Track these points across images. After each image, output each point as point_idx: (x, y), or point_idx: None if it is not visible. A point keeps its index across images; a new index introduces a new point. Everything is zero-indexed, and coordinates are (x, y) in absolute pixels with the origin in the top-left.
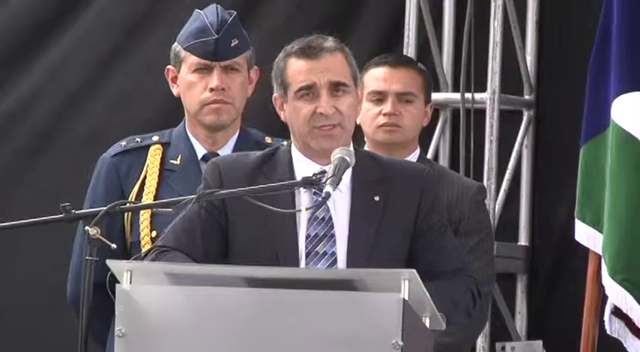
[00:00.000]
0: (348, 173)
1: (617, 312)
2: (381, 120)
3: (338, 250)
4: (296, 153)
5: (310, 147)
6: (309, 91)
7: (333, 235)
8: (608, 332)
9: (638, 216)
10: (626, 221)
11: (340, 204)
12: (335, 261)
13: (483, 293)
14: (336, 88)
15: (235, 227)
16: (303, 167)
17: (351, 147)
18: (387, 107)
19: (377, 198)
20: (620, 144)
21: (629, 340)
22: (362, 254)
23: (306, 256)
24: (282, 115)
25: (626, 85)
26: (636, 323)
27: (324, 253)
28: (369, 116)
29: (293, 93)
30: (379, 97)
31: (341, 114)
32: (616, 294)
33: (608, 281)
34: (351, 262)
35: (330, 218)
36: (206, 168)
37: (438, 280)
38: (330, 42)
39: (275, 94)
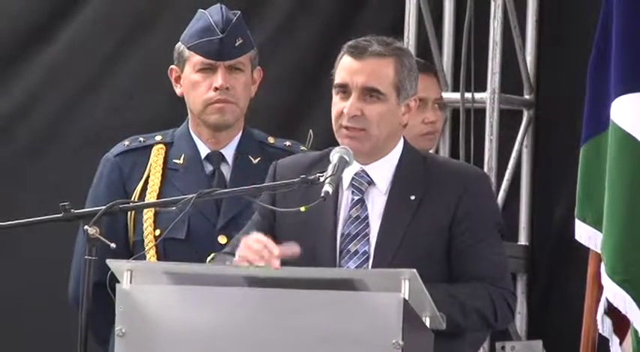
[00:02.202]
0: (391, 173)
1: (607, 312)
2: (425, 128)
3: (370, 249)
4: None
5: (339, 143)
6: (343, 90)
7: (367, 234)
8: (600, 331)
9: (637, 216)
10: (625, 221)
11: (377, 202)
12: (367, 260)
13: (512, 304)
14: (369, 93)
15: (281, 226)
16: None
17: (400, 146)
18: (429, 115)
19: (413, 197)
20: (620, 145)
21: (613, 340)
22: (389, 251)
23: (340, 254)
24: None
25: (625, 86)
26: (633, 324)
27: (356, 252)
28: (410, 125)
29: (333, 87)
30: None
31: (366, 119)
32: (615, 295)
33: (607, 282)
34: (377, 259)
35: (367, 217)
36: (269, 168)
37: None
38: (381, 46)
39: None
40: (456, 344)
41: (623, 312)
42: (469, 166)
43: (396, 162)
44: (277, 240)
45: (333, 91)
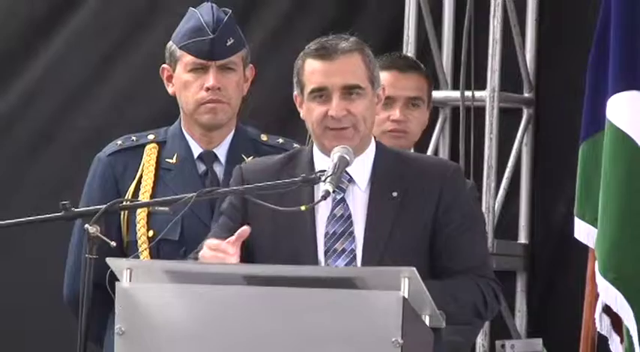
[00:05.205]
0: (368, 170)
1: (606, 310)
2: (389, 126)
3: (357, 247)
4: (316, 152)
5: (326, 146)
6: (321, 93)
7: (352, 232)
8: (598, 329)
9: (630, 214)
10: (618, 219)
11: (359, 200)
12: (354, 258)
13: (498, 291)
14: (349, 91)
15: (256, 227)
16: (323, 164)
17: (373, 143)
18: (395, 113)
19: (395, 194)
20: (614, 142)
21: (612, 338)
22: (376, 249)
23: (325, 254)
24: (301, 113)
25: (621, 84)
26: (624, 322)
27: (343, 250)
28: (376, 120)
29: (307, 94)
30: (386, 102)
31: (353, 116)
32: (607, 293)
33: (599, 280)
34: (366, 257)
35: (350, 215)
36: (233, 173)
37: (449, 278)
38: (346, 42)
39: (295, 92)
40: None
41: (615, 310)
42: (443, 159)
43: (372, 159)
44: (251, 238)
45: (307, 97)
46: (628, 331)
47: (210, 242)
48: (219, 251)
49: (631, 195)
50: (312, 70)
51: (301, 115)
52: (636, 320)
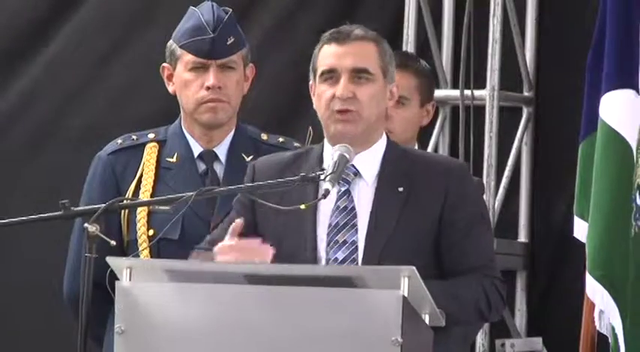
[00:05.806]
0: (377, 165)
1: None
2: None
3: (359, 239)
4: (326, 146)
5: (332, 135)
6: (331, 75)
7: (355, 224)
8: (598, 328)
9: (621, 213)
10: (608, 217)
11: (364, 194)
12: (355, 250)
13: (503, 291)
14: (358, 74)
15: (263, 223)
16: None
17: (384, 138)
18: None
19: (401, 189)
20: (606, 141)
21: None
22: (379, 243)
23: (327, 245)
24: (314, 103)
25: (614, 82)
26: (610, 320)
27: (344, 242)
28: None
29: (318, 77)
30: None
31: (358, 100)
32: (593, 290)
33: (587, 277)
34: (368, 251)
35: (353, 208)
36: (247, 170)
37: (453, 278)
38: (362, 30)
39: (310, 82)
40: (441, 337)
41: (601, 308)
42: (449, 158)
43: (381, 154)
44: (260, 233)
45: (318, 80)
46: (614, 329)
47: (219, 247)
48: (236, 250)
49: (621, 194)
50: (325, 53)
51: (314, 105)
52: (622, 318)
